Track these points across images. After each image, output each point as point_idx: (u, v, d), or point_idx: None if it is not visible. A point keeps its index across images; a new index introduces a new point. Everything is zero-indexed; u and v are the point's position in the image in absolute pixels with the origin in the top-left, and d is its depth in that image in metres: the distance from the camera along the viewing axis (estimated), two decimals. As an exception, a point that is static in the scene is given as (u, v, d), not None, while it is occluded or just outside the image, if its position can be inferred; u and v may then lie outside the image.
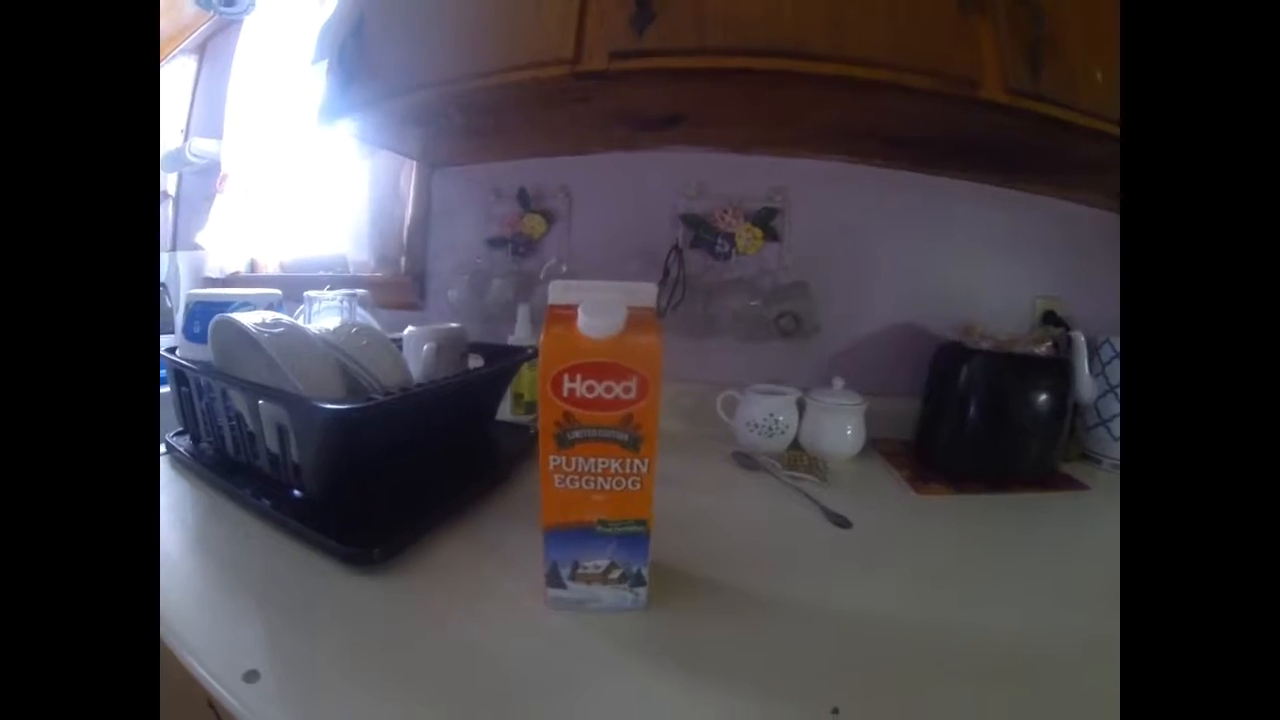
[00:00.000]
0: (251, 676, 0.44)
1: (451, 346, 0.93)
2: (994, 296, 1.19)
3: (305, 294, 1.07)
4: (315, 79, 1.31)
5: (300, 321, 0.79)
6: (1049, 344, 0.97)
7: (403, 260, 1.57)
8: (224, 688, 0.44)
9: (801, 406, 1.07)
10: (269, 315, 0.73)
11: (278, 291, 0.95)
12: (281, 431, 0.70)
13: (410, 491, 0.73)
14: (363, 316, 1.07)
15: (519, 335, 1.19)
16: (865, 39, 0.78)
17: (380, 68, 1.04)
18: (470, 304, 1.36)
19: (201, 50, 2.23)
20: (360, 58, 1.06)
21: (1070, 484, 0.97)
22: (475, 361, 0.98)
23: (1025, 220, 1.19)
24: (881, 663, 0.50)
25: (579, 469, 0.50)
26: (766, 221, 1.18)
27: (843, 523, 0.77)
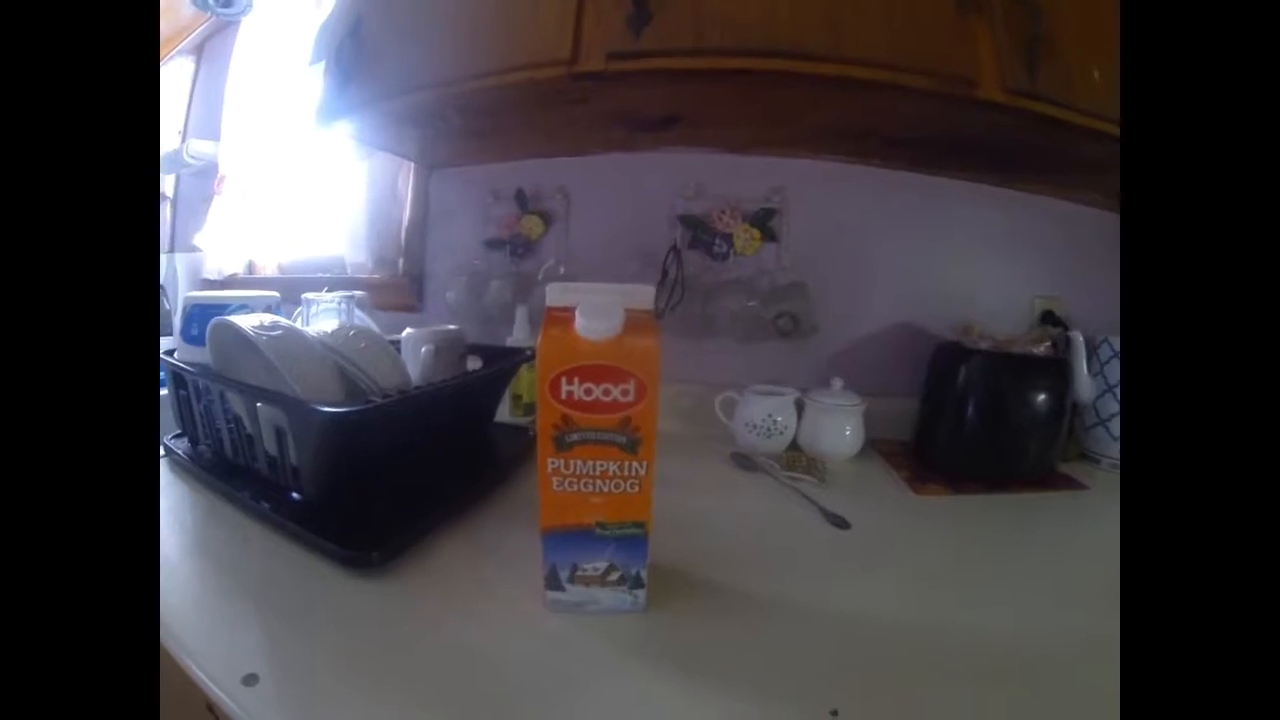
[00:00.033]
0: (250, 680, 0.44)
1: (450, 348, 0.93)
2: (992, 296, 1.19)
3: (303, 296, 1.06)
4: (313, 80, 1.31)
5: (298, 324, 0.79)
6: (1047, 344, 0.97)
7: (401, 262, 1.57)
8: (223, 691, 0.43)
9: (800, 407, 1.07)
10: (267, 318, 0.73)
11: (276, 294, 0.95)
12: (280, 434, 0.69)
13: (409, 494, 0.73)
14: (361, 319, 1.07)
15: (517, 337, 1.18)
16: (862, 39, 0.78)
17: (378, 69, 1.04)
18: (468, 305, 1.36)
19: (199, 51, 2.23)
20: (358, 59, 1.06)
21: (1069, 484, 0.97)
22: (474, 363, 0.98)
23: (1023, 220, 1.19)
24: (880, 664, 0.50)
25: (577, 471, 0.50)
26: (764, 222, 1.18)
27: (841, 523, 0.77)
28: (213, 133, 2.02)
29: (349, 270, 1.71)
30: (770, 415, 1.05)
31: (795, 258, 1.19)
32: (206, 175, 2.02)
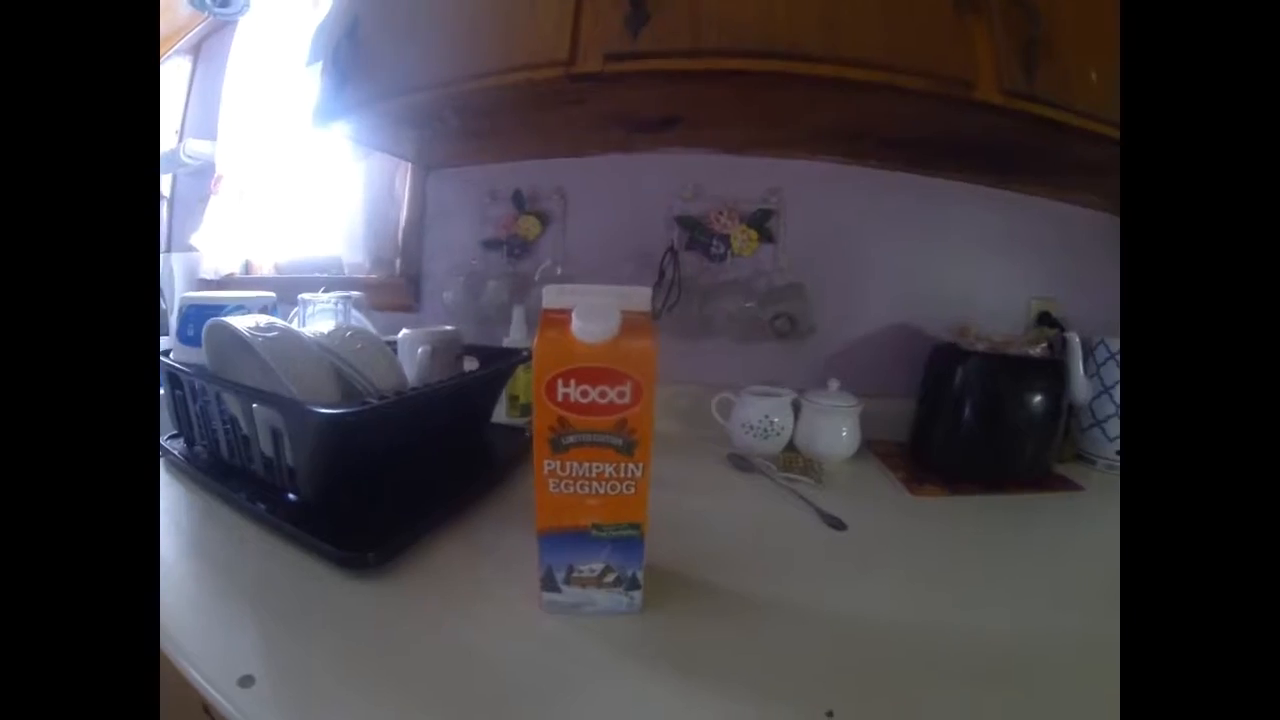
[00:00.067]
0: (247, 682, 0.44)
1: (446, 349, 0.93)
2: (989, 297, 1.19)
3: (300, 296, 1.06)
4: (310, 80, 1.30)
5: (295, 325, 0.79)
6: (1044, 345, 0.97)
7: (398, 262, 1.56)
8: (219, 693, 0.44)
9: (797, 408, 1.08)
10: (263, 319, 0.73)
11: (272, 294, 0.94)
12: (276, 435, 0.69)
13: (406, 495, 0.73)
14: (357, 319, 1.07)
15: (514, 337, 1.18)
16: (859, 40, 0.78)
17: (375, 69, 1.04)
18: (465, 306, 1.36)
19: (196, 51, 2.22)
20: (355, 59, 1.06)
21: (1065, 485, 0.97)
22: (470, 364, 0.98)
23: (1020, 221, 1.19)
24: (876, 665, 0.51)
25: (573, 473, 0.50)
26: (762, 223, 1.19)
27: (838, 524, 0.77)
28: (209, 132, 2.01)
29: (346, 270, 1.70)
30: (767, 416, 1.05)
31: (792, 259, 1.19)
32: (203, 175, 2.02)
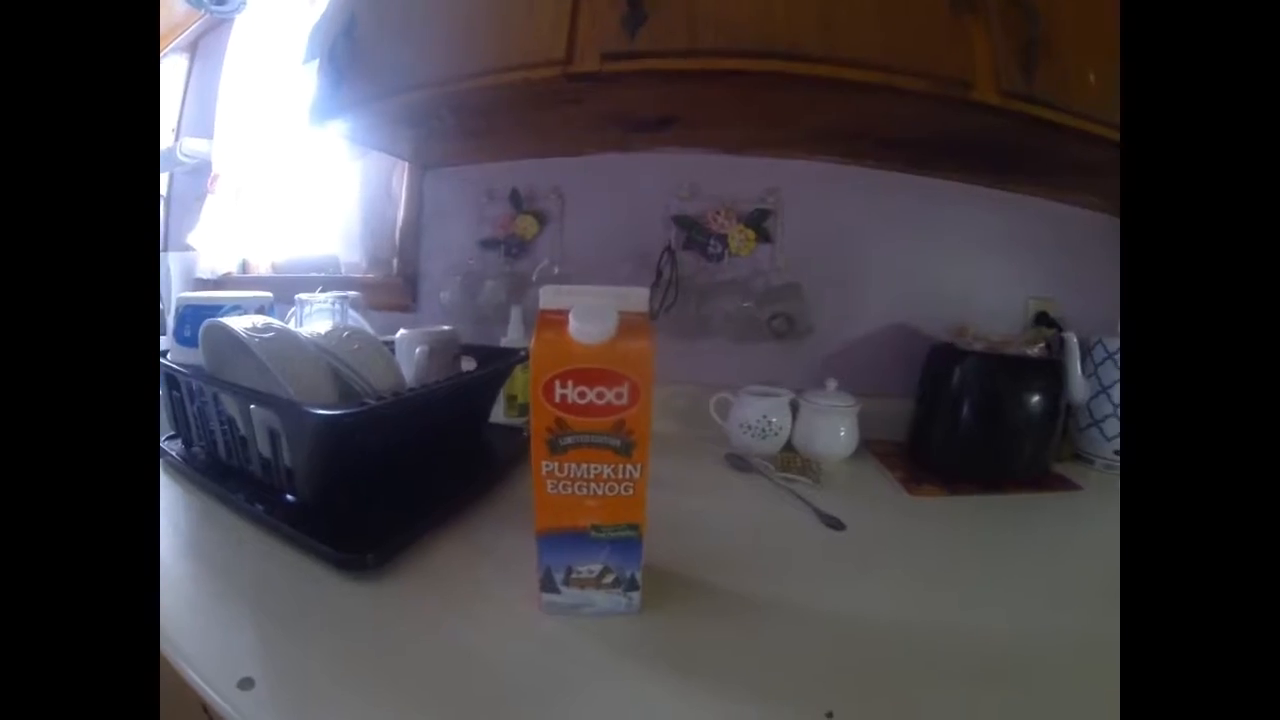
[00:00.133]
0: (246, 684, 0.44)
1: (444, 349, 0.93)
2: (987, 297, 1.19)
3: (297, 296, 1.06)
4: (306, 79, 1.30)
5: (292, 325, 0.78)
6: (1041, 345, 0.98)
7: (395, 262, 1.56)
8: (218, 695, 0.43)
9: (795, 408, 1.08)
10: (260, 319, 0.72)
11: (269, 294, 0.94)
12: (274, 436, 0.69)
13: (404, 496, 0.73)
14: (355, 319, 1.07)
15: (512, 337, 1.18)
16: (857, 40, 0.78)
17: (371, 68, 1.04)
18: (463, 306, 1.36)
19: (193, 49, 2.22)
20: (351, 58, 1.05)
21: (1063, 484, 0.97)
22: (468, 364, 0.98)
23: (1018, 221, 1.20)
24: (876, 665, 0.51)
25: (571, 474, 0.50)
26: (759, 223, 1.18)
27: (836, 525, 0.78)
28: (206, 131, 2.01)
29: (343, 270, 1.70)
30: (765, 416, 1.05)
31: (790, 259, 1.19)
32: (200, 174, 2.01)
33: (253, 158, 1.90)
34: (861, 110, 0.93)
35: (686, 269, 1.20)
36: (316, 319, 1.01)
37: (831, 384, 1.07)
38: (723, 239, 1.19)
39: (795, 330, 1.15)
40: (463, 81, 0.92)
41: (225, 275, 1.98)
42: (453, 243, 1.44)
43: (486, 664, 0.48)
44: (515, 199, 1.34)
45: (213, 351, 0.76)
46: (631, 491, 0.51)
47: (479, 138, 1.23)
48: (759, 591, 0.61)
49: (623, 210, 1.26)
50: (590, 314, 0.47)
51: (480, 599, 0.57)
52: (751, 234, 1.18)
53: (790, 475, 0.94)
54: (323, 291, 1.05)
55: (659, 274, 1.18)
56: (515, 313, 1.20)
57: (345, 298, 1.06)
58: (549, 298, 0.51)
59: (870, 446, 1.10)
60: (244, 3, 1.83)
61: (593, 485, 0.50)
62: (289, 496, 0.70)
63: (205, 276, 1.99)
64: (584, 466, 0.50)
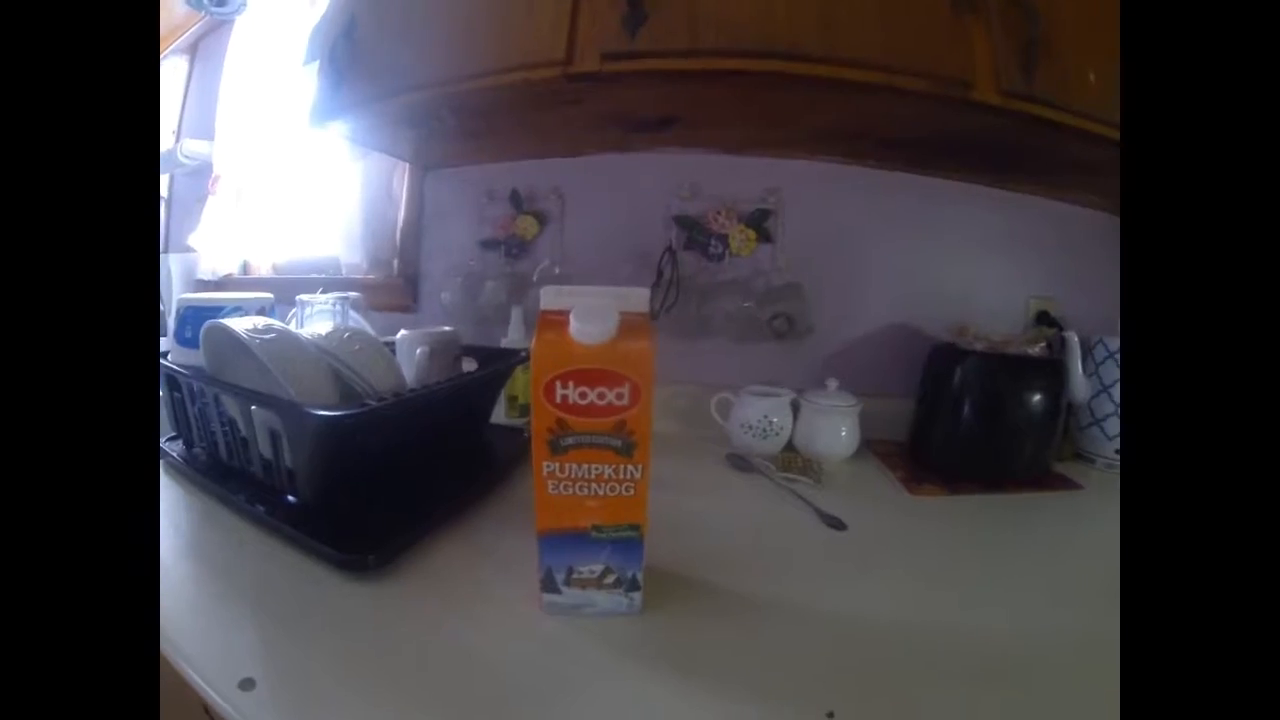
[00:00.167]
0: (247, 684, 0.44)
1: (445, 350, 0.93)
2: (988, 297, 1.19)
3: (298, 298, 1.06)
4: (307, 80, 1.30)
5: (293, 326, 0.78)
6: (1042, 344, 0.98)
7: (395, 262, 1.56)
8: (219, 695, 0.43)
9: (796, 408, 1.08)
10: (261, 320, 0.72)
11: (270, 295, 0.94)
12: (275, 437, 0.69)
13: (405, 496, 0.73)
14: (355, 320, 1.07)
15: (512, 338, 1.18)
16: (857, 40, 0.78)
17: (372, 69, 1.04)
18: (463, 306, 1.36)
19: (193, 51, 2.22)
20: (352, 59, 1.06)
21: (1064, 484, 0.97)
22: (469, 365, 0.98)
23: (1019, 221, 1.19)
24: (876, 664, 0.51)
25: (572, 475, 0.50)
26: (760, 223, 1.18)
27: (837, 524, 0.78)
28: (207, 132, 2.01)
29: (344, 271, 1.70)
30: (766, 416, 1.05)
31: (791, 259, 1.19)
32: (201, 175, 2.01)
33: (253, 159, 1.91)
34: (862, 110, 0.93)
35: (687, 269, 1.20)
36: (317, 320, 1.01)
37: (832, 384, 1.07)
38: (723, 239, 1.19)
39: (796, 330, 1.15)
40: (463, 82, 0.92)
41: (226, 276, 1.98)
42: (453, 243, 1.44)
43: (488, 664, 0.48)
44: (515, 199, 1.34)
45: (213, 353, 0.76)
46: (632, 492, 0.51)
47: (479, 138, 1.23)
48: (760, 591, 0.61)
49: (623, 210, 1.27)
50: (591, 314, 0.47)
51: (481, 599, 0.57)
52: (752, 234, 1.18)
53: (791, 475, 0.94)
54: (323, 293, 1.05)
55: (660, 274, 1.18)
56: (516, 313, 1.20)
57: (346, 299, 1.07)
58: (549, 298, 0.51)
59: (871, 446, 1.10)
60: (244, 4, 1.83)
61: (594, 486, 0.50)
62: (290, 497, 0.70)
63: (206, 278, 1.99)
64: (585, 467, 0.50)
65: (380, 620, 0.54)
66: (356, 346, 0.76)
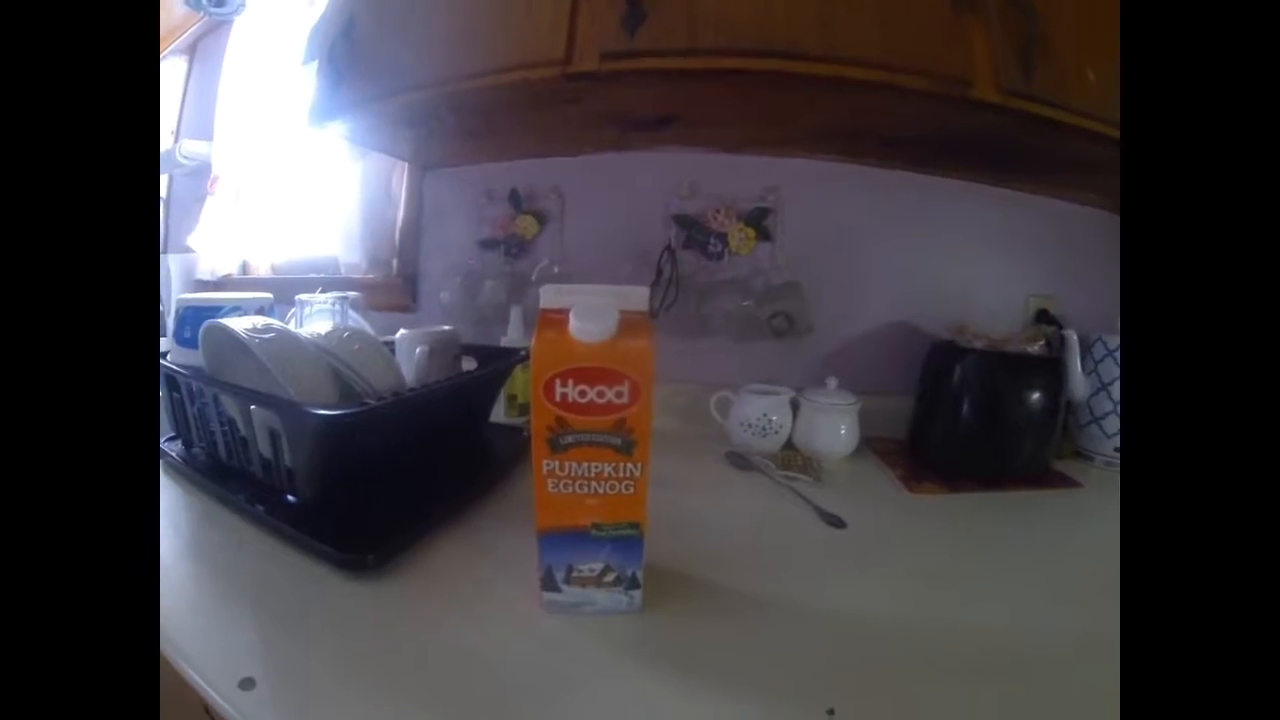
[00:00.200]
0: (247, 684, 0.44)
1: (444, 349, 0.93)
2: (987, 295, 1.19)
3: (297, 297, 1.06)
4: (306, 80, 1.30)
5: (292, 325, 0.78)
6: (1042, 342, 0.98)
7: (395, 262, 1.56)
8: (219, 695, 0.43)
9: (795, 406, 1.08)
10: (260, 320, 0.72)
11: (269, 295, 0.94)
12: (274, 437, 0.69)
13: (405, 496, 0.73)
14: (355, 320, 1.07)
15: (512, 337, 1.18)
16: (857, 39, 0.78)
17: (370, 69, 1.04)
18: (463, 306, 1.36)
19: (192, 51, 2.22)
20: (350, 59, 1.06)
21: (1063, 482, 0.97)
22: (468, 364, 0.98)
23: (1018, 219, 1.20)
24: (876, 662, 0.51)
25: (572, 473, 0.50)
26: (759, 221, 1.19)
27: (837, 522, 0.78)
28: (206, 133, 2.01)
29: (343, 271, 1.70)
30: (765, 414, 1.05)
31: (790, 257, 1.19)
32: (200, 175, 2.01)
33: (252, 159, 1.90)
34: (861, 108, 0.93)
35: (686, 268, 1.20)
36: (316, 320, 1.01)
37: (832, 382, 1.07)
38: (723, 238, 1.19)
39: (795, 328, 1.15)
40: (462, 82, 0.92)
41: (225, 277, 1.98)
42: (452, 243, 1.44)
43: (488, 663, 0.48)
44: (515, 199, 1.34)
45: (213, 352, 0.76)
46: (632, 490, 0.51)
47: (478, 138, 1.23)
48: (760, 589, 0.61)
49: (623, 209, 1.27)
50: (591, 313, 0.47)
51: (481, 598, 0.57)
52: (751, 232, 1.18)
53: (791, 473, 0.94)
54: (323, 292, 1.05)
55: (659, 273, 1.18)
56: (515, 312, 1.20)
57: (345, 298, 1.06)
58: (549, 297, 0.51)
59: (871, 444, 1.10)
60: (243, 4, 1.83)
61: (593, 484, 0.50)
62: (290, 497, 0.70)
63: (205, 278, 1.99)
64: (585, 465, 0.50)
65: (380, 619, 0.54)
66: (356, 346, 0.76)
